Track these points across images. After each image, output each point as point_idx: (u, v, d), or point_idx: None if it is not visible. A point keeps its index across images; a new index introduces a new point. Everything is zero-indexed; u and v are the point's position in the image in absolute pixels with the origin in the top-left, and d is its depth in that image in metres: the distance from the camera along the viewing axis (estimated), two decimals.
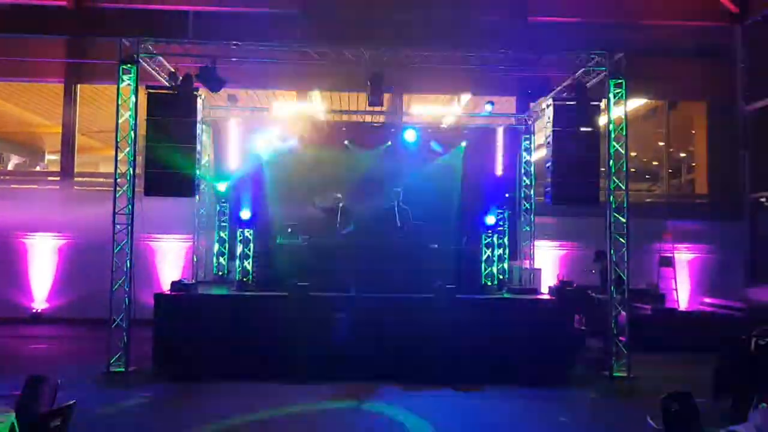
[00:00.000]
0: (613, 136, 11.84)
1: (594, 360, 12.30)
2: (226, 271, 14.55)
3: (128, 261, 11.20)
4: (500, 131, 15.21)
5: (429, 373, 10.71)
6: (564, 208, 13.78)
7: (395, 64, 12.61)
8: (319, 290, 11.36)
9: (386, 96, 14.42)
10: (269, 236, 13.22)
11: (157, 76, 12.38)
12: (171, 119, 11.57)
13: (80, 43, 17.82)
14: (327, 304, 11.27)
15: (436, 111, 14.97)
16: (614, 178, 11.78)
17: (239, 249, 12.94)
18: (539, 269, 15.34)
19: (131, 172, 11.39)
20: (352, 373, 10.68)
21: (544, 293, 13.06)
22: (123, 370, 10.94)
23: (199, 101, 11.99)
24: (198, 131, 11.89)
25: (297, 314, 10.98)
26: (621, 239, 11.66)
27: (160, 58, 12.15)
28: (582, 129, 12.05)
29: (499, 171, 15.17)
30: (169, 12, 17.71)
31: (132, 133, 11.45)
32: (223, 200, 14.71)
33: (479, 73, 13.77)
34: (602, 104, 12.22)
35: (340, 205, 13.39)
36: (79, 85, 18.01)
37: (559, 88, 12.84)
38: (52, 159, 21.73)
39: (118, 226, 11.22)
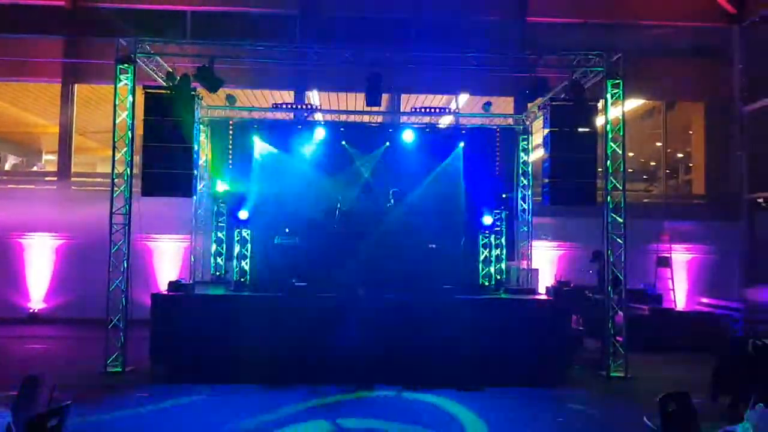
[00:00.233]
0: (610, 136, 11.86)
1: (591, 360, 12.32)
2: (223, 272, 14.52)
3: (125, 261, 11.20)
4: (498, 132, 15.20)
5: (426, 374, 10.69)
6: (561, 209, 13.81)
7: (393, 65, 12.61)
8: (317, 291, 11.35)
9: (384, 96, 14.41)
10: (267, 236, 13.18)
11: (155, 76, 12.38)
12: (168, 119, 11.56)
13: (77, 43, 17.80)
14: (324, 305, 11.26)
15: (433, 111, 14.93)
16: (611, 178, 11.80)
17: (237, 249, 12.92)
18: (537, 269, 15.36)
19: (128, 172, 11.39)
20: (348, 373, 10.65)
21: (542, 293, 13.05)
22: (120, 370, 10.97)
23: (197, 101, 11.98)
24: (195, 131, 11.88)
25: (294, 314, 10.98)
26: (618, 239, 11.68)
27: (158, 58, 12.15)
28: (579, 129, 12.07)
29: (496, 171, 15.16)
30: (167, 12, 17.72)
31: (129, 133, 11.45)
32: (220, 200, 14.69)
33: (477, 73, 13.79)
34: (600, 105, 12.24)
35: (337, 205, 13.39)
36: (76, 85, 18.01)
37: (556, 88, 12.86)
38: (49, 159, 21.69)
39: (115, 226, 11.22)
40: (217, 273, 14.62)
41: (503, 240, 14.33)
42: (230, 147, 14.85)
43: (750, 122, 18.36)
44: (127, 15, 17.15)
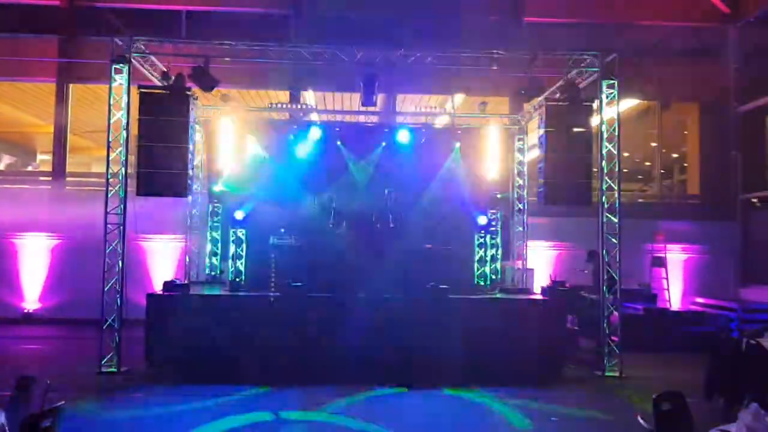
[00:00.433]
0: (605, 136, 11.89)
1: (586, 360, 12.33)
2: (218, 272, 14.50)
3: (120, 261, 11.18)
4: (493, 132, 15.20)
5: (422, 374, 10.69)
6: (556, 209, 13.81)
7: (388, 65, 12.61)
8: (312, 291, 11.36)
9: (379, 96, 14.40)
10: (262, 236, 13.15)
11: (150, 75, 12.35)
12: (163, 119, 11.54)
13: (72, 43, 17.75)
14: (320, 305, 11.26)
15: (429, 111, 14.94)
16: (606, 178, 11.82)
17: (232, 249, 12.90)
18: (532, 269, 15.37)
19: (123, 171, 11.37)
20: (343, 373, 10.65)
21: (537, 293, 13.08)
22: (115, 370, 10.94)
23: (192, 101, 11.96)
24: (190, 131, 11.86)
25: (290, 315, 10.97)
26: (613, 239, 11.70)
27: (153, 57, 12.13)
28: (575, 129, 12.08)
29: (492, 171, 15.16)
30: (162, 11, 17.71)
31: (124, 132, 11.43)
32: (215, 200, 14.67)
33: (473, 73, 13.78)
34: (595, 105, 12.25)
35: (333, 205, 13.38)
36: (71, 85, 17.97)
37: (552, 88, 12.87)
38: (43, 159, 21.64)
39: (110, 226, 11.20)
40: (213, 273, 14.60)
41: (498, 240, 14.36)
42: (225, 147, 14.80)
43: (745, 122, 18.41)
44: (122, 14, 17.11)
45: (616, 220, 11.69)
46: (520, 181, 15.58)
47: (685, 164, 20.12)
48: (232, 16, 17.73)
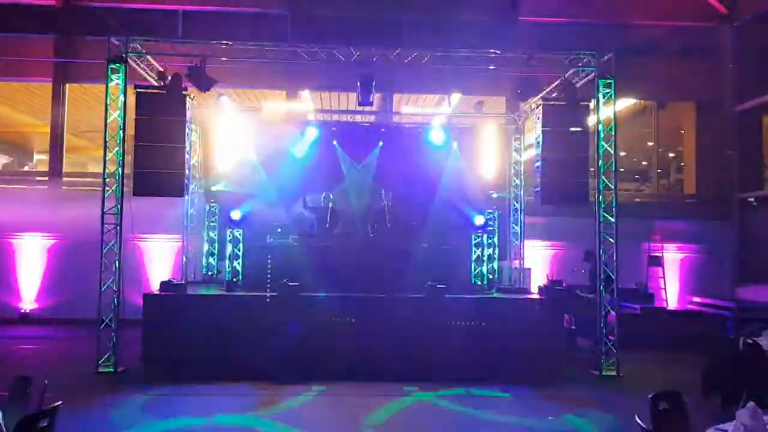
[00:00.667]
0: (602, 135, 11.89)
1: (583, 359, 12.34)
2: (215, 271, 14.48)
3: (117, 261, 11.16)
4: (490, 131, 15.20)
5: (419, 373, 10.70)
6: (553, 208, 13.81)
7: (385, 64, 12.60)
8: (309, 290, 11.35)
9: (376, 96, 14.40)
10: (259, 236, 13.15)
11: (146, 75, 12.33)
12: (160, 119, 11.53)
13: (69, 42, 17.72)
14: (316, 304, 11.25)
15: (426, 111, 14.94)
16: (603, 177, 11.83)
17: (229, 249, 12.89)
18: (529, 269, 15.38)
19: (120, 171, 11.35)
20: (339, 372, 10.65)
21: (534, 293, 13.09)
22: (112, 370, 10.94)
23: (188, 101, 11.95)
24: (187, 131, 11.84)
25: (287, 314, 10.96)
26: (610, 239, 11.71)
27: (149, 57, 12.11)
28: (571, 129, 12.09)
29: (489, 171, 15.18)
30: (159, 11, 17.68)
31: (121, 132, 11.42)
32: (212, 200, 14.65)
33: (469, 72, 13.77)
34: (591, 104, 12.26)
35: (330, 205, 13.38)
36: (67, 85, 17.94)
37: (548, 88, 12.87)
38: (40, 159, 21.60)
39: (106, 226, 11.18)
40: (210, 273, 14.58)
41: (495, 239, 14.36)
42: (222, 147, 14.78)
43: (741, 122, 18.44)
44: (118, 14, 17.06)
45: (612, 220, 11.70)
46: (517, 181, 15.59)
47: (682, 163, 20.14)
48: (229, 15, 17.71)
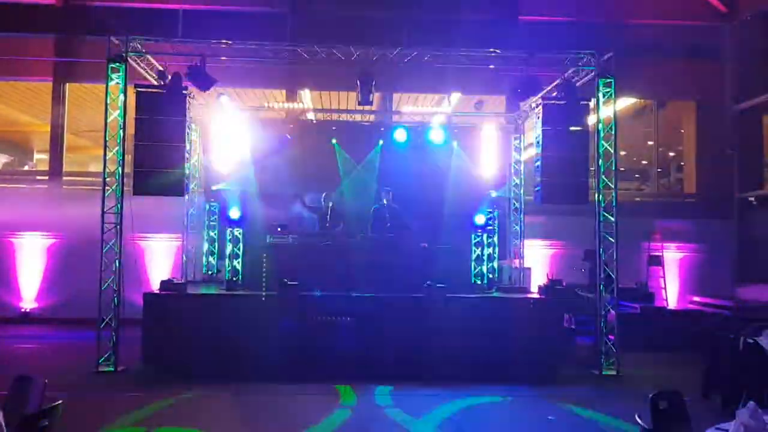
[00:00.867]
0: (602, 135, 11.89)
1: (583, 358, 12.34)
2: (215, 271, 14.48)
3: (117, 260, 11.17)
4: (490, 130, 15.20)
5: (420, 373, 10.70)
6: (553, 207, 13.80)
7: (385, 63, 12.60)
8: (309, 290, 11.35)
9: (376, 95, 14.39)
10: (259, 235, 13.14)
11: (146, 74, 12.34)
12: (160, 118, 11.52)
13: (69, 42, 17.73)
14: (316, 304, 11.25)
15: (426, 110, 14.93)
16: (603, 177, 11.83)
17: (229, 248, 12.89)
18: (529, 268, 15.37)
19: (120, 171, 11.36)
20: (340, 372, 10.65)
21: (534, 292, 13.08)
22: (112, 369, 10.94)
23: (189, 100, 11.95)
24: (187, 130, 11.84)
25: (286, 314, 10.97)
26: (610, 238, 11.71)
27: (149, 56, 12.11)
28: (571, 128, 12.09)
29: (489, 170, 15.17)
30: (159, 10, 17.68)
31: (121, 132, 11.42)
32: (212, 199, 14.65)
33: (469, 72, 13.78)
34: (591, 103, 12.26)
35: (330, 204, 13.38)
36: (67, 84, 17.94)
37: (548, 87, 12.87)
38: (40, 158, 21.60)
39: (106, 226, 11.18)
40: (210, 272, 14.58)
41: (495, 239, 14.35)
42: (222, 146, 14.77)
43: (741, 121, 18.43)
44: (118, 13, 17.07)
45: (613, 219, 11.70)
46: (517, 180, 15.59)
47: (682, 163, 20.14)
48: (229, 14, 17.71)
